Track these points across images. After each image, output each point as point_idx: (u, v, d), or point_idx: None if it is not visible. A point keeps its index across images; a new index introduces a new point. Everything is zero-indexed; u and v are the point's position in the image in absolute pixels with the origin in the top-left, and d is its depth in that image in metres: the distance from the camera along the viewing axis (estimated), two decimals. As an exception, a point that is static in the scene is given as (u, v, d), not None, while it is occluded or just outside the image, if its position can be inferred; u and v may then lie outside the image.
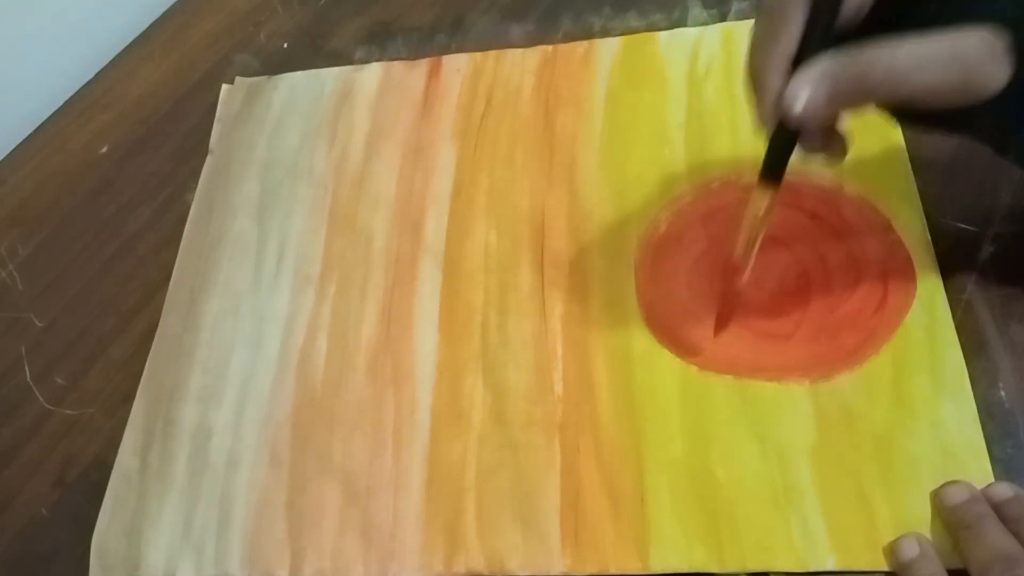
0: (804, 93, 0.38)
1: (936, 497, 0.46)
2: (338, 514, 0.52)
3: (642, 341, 0.54)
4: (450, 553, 0.50)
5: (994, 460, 0.46)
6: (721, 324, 0.53)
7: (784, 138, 0.41)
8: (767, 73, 0.39)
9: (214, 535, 0.53)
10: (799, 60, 0.38)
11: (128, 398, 0.59)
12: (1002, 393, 0.48)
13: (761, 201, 0.45)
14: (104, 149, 0.74)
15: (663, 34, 0.67)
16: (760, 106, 0.40)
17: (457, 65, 0.70)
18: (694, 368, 0.52)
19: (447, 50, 0.72)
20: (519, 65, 0.69)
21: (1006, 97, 0.37)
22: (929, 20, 0.37)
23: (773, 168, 0.43)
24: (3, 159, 0.77)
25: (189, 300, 0.62)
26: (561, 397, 0.53)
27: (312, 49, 0.76)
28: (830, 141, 0.42)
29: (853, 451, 0.48)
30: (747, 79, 0.41)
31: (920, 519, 0.45)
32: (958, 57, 0.37)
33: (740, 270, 0.49)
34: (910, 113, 0.42)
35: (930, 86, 0.37)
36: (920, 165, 0.56)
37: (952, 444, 0.47)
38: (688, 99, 0.63)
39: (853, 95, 0.38)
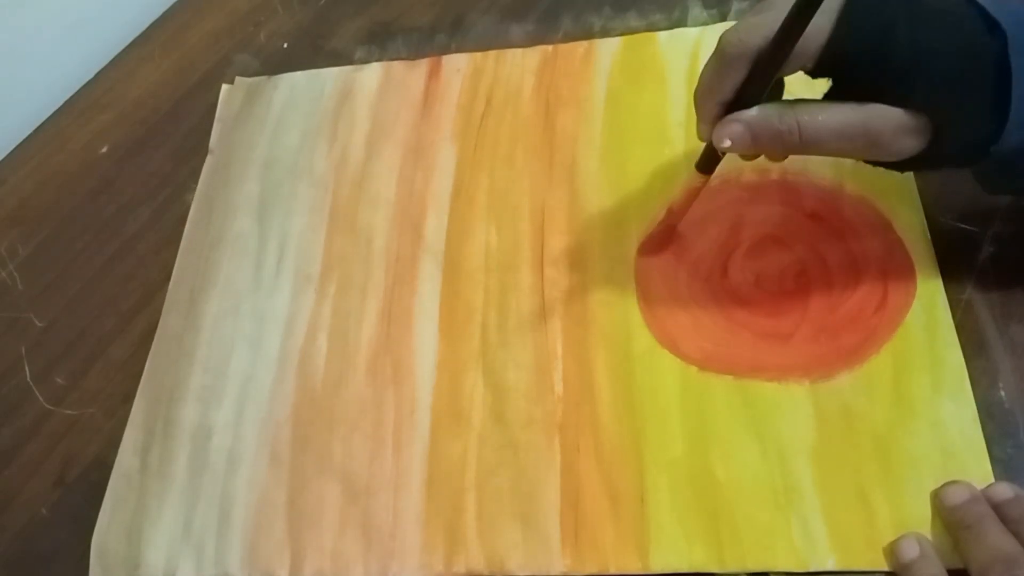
0: (729, 136, 0.44)
1: (936, 497, 0.46)
2: (338, 514, 0.52)
3: (642, 341, 0.54)
4: (450, 553, 0.50)
5: (994, 460, 0.46)
6: (647, 249, 0.57)
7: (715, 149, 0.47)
8: (706, 108, 0.46)
9: (214, 535, 0.53)
10: (735, 103, 0.44)
11: (128, 398, 0.59)
12: (1002, 393, 0.48)
13: (695, 181, 0.52)
14: (104, 149, 0.75)
15: (663, 34, 0.67)
16: (699, 128, 0.47)
17: (457, 65, 0.70)
18: (694, 368, 0.52)
19: (447, 50, 0.72)
20: (519, 65, 0.69)
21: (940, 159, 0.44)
22: (861, 87, 0.42)
23: (706, 165, 0.50)
24: (3, 159, 0.77)
25: (189, 300, 0.62)
26: (561, 397, 0.53)
27: (312, 49, 0.76)
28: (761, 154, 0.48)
29: (853, 451, 0.48)
30: (695, 99, 0.47)
31: (920, 519, 0.45)
32: (870, 130, 0.42)
33: (678, 217, 0.55)
34: None
35: (842, 150, 0.44)
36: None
37: (952, 444, 0.47)
38: (688, 99, 0.63)
39: (772, 147, 0.44)
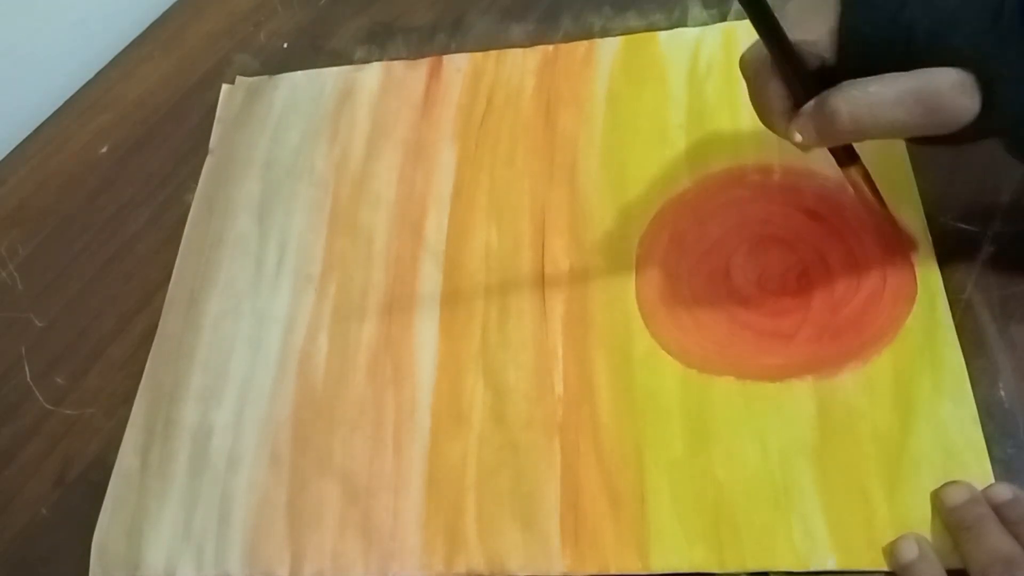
0: (798, 132, 0.43)
1: (936, 498, 0.46)
2: (338, 514, 0.52)
3: (643, 342, 0.54)
4: (450, 553, 0.50)
5: (994, 460, 0.46)
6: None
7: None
8: (777, 124, 0.45)
9: (214, 535, 0.53)
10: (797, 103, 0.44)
11: (128, 398, 0.59)
12: (1002, 393, 0.48)
13: (854, 178, 0.50)
14: (104, 149, 0.74)
15: (663, 34, 0.67)
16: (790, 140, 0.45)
17: (458, 65, 0.70)
18: (695, 369, 0.52)
19: (447, 50, 0.72)
20: (520, 65, 0.69)
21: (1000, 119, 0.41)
22: (896, 64, 0.41)
23: (840, 157, 0.49)
24: (3, 159, 0.77)
25: (189, 300, 0.62)
26: (561, 397, 0.53)
27: (312, 49, 0.76)
28: None
29: (854, 451, 0.48)
30: (767, 126, 0.46)
31: (920, 519, 0.45)
32: (926, 94, 0.40)
33: (896, 223, 0.53)
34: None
35: (892, 126, 0.41)
36: (920, 165, 0.55)
37: (953, 444, 0.47)
38: (689, 99, 0.63)
39: (835, 134, 0.42)
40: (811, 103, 0.43)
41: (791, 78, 0.43)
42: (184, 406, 0.58)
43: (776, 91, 0.44)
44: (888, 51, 0.41)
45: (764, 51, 0.42)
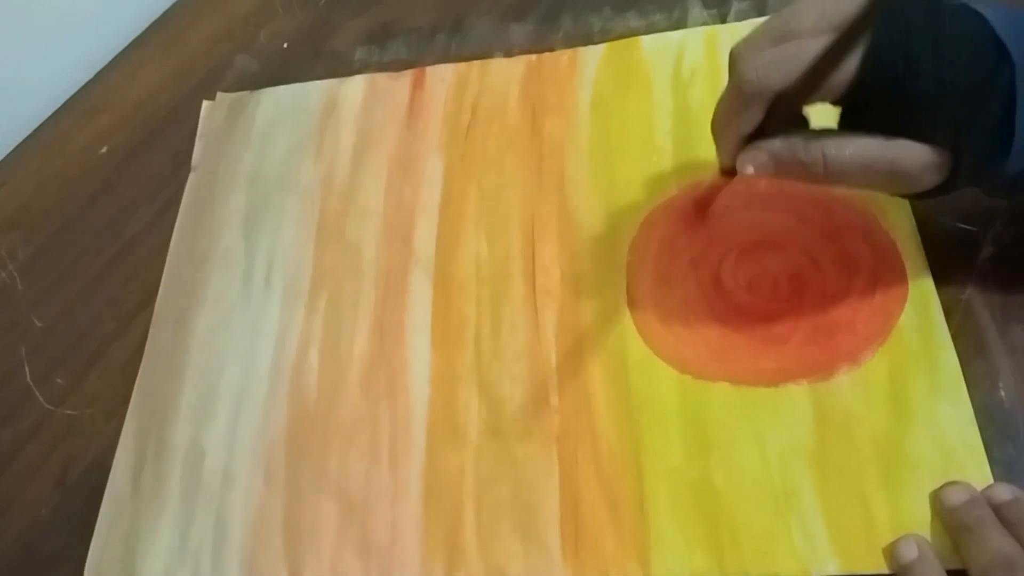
0: (751, 164, 0.44)
1: (936, 498, 0.46)
2: (335, 530, 0.52)
3: (637, 349, 0.54)
4: (450, 566, 0.49)
5: (994, 462, 0.46)
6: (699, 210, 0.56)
7: None
8: (725, 139, 0.46)
9: (210, 555, 0.52)
10: (756, 134, 0.44)
11: (128, 399, 0.59)
12: (1002, 394, 0.48)
13: (722, 182, 0.51)
14: (104, 150, 0.74)
15: (646, 39, 0.67)
16: (720, 155, 0.47)
17: (441, 75, 0.70)
18: (690, 375, 0.52)
19: (447, 51, 0.72)
20: (504, 74, 0.68)
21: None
22: (882, 119, 0.42)
23: (728, 173, 0.49)
24: (3, 161, 0.77)
25: (177, 317, 0.62)
26: (558, 407, 0.53)
27: (312, 50, 0.76)
28: None
29: (852, 454, 0.48)
30: (712, 129, 0.47)
31: (920, 521, 0.45)
32: (897, 167, 0.42)
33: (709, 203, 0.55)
34: None
35: (864, 183, 0.44)
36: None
37: (951, 446, 0.47)
38: (674, 104, 0.63)
39: (797, 175, 0.44)
40: (778, 141, 0.43)
41: (786, 114, 0.43)
42: (175, 426, 0.57)
43: (753, 120, 0.44)
44: (887, 107, 0.42)
45: (773, 79, 0.42)
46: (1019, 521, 0.43)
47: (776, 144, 0.44)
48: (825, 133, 0.44)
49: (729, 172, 0.48)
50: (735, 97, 0.44)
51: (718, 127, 0.46)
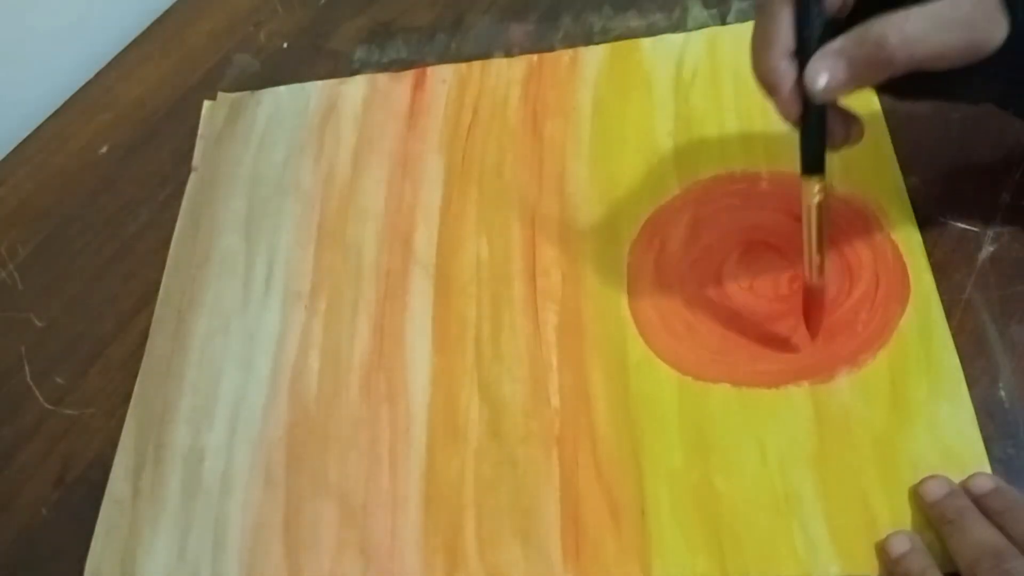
0: (825, 71, 0.40)
1: (915, 494, 0.45)
2: (335, 534, 0.51)
3: (637, 350, 0.53)
4: (450, 571, 0.49)
5: (994, 460, 0.46)
6: (813, 326, 0.50)
7: (813, 125, 0.43)
8: (775, 69, 0.42)
9: (209, 559, 0.52)
10: (800, 51, 0.41)
11: (128, 398, 0.59)
12: (1002, 393, 0.48)
13: (811, 196, 0.45)
14: (104, 149, 0.74)
15: (648, 41, 0.67)
16: (780, 100, 0.43)
17: (442, 76, 0.70)
18: (690, 376, 0.52)
19: (447, 50, 0.72)
20: (504, 75, 0.68)
21: (1004, 52, 0.40)
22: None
23: (812, 159, 0.44)
24: (3, 159, 0.77)
25: (177, 320, 0.62)
26: (558, 410, 0.52)
27: (312, 49, 0.76)
28: (849, 127, 0.44)
29: (853, 456, 0.48)
30: (759, 83, 0.43)
31: (921, 522, 0.45)
32: (961, 20, 0.39)
33: (815, 269, 0.48)
34: (910, 86, 0.43)
35: (939, 50, 0.40)
36: (920, 165, 0.56)
37: (951, 447, 0.47)
38: (675, 106, 0.63)
39: (871, 67, 0.41)
40: (840, 39, 0.40)
41: (814, 14, 0.41)
42: (174, 429, 0.57)
43: (788, 23, 0.41)
44: None
45: None
46: (1003, 510, 0.43)
47: (837, 43, 0.40)
48: (877, 18, 0.40)
49: (812, 165, 0.44)
50: (761, 13, 0.42)
51: (761, 55, 0.43)
